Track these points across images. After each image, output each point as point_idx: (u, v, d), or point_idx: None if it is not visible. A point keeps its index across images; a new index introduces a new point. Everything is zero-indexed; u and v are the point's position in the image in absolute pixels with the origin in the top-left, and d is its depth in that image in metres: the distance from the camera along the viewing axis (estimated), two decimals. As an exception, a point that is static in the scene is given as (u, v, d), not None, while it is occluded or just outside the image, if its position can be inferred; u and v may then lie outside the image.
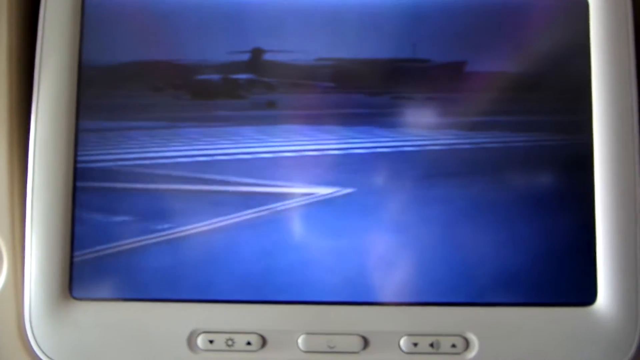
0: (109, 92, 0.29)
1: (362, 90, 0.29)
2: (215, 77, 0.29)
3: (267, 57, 0.29)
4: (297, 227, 0.28)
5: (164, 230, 0.28)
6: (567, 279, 0.28)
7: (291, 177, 0.28)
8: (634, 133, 0.28)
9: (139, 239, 0.28)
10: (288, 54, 0.29)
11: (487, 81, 0.29)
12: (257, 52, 0.29)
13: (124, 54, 0.29)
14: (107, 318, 0.27)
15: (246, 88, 0.29)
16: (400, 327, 0.27)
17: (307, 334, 0.27)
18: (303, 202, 0.28)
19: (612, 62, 0.28)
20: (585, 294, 0.27)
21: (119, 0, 0.29)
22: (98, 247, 0.28)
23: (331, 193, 0.28)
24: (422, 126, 0.29)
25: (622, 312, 0.27)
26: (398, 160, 0.28)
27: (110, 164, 0.28)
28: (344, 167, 0.28)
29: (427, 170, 0.28)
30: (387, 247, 0.28)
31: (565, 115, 0.28)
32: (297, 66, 0.29)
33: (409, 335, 0.27)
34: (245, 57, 0.29)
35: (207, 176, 0.28)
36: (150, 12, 0.29)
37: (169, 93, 0.29)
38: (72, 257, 0.27)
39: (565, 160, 0.28)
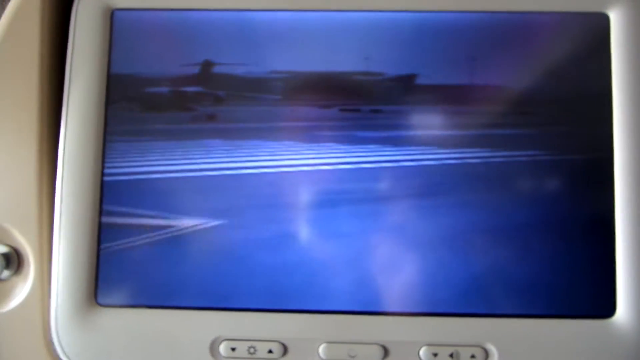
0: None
1: (313, 103, 0.29)
2: (164, 89, 0.29)
3: (217, 69, 0.29)
4: (317, 237, 0.28)
5: (188, 238, 0.28)
6: (586, 291, 0.28)
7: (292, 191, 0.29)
8: None
9: (164, 247, 0.28)
10: (240, 67, 0.29)
11: (485, 95, 0.29)
12: (206, 65, 0.29)
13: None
14: (132, 325, 0.28)
15: (194, 100, 0.29)
16: (420, 337, 0.27)
17: (328, 342, 0.28)
18: (320, 213, 0.28)
19: (634, 76, 0.28)
20: (605, 306, 0.28)
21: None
22: (124, 255, 0.28)
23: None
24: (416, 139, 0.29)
25: (641, 325, 0.27)
26: (403, 172, 0.29)
27: (137, 176, 0.29)
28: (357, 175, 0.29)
29: (439, 184, 0.29)
30: (407, 258, 0.28)
31: (585, 130, 0.28)
32: (248, 79, 0.29)
33: (429, 345, 0.27)
34: (196, 69, 0.29)
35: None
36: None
37: (121, 105, 0.29)
38: (98, 264, 0.28)
39: (585, 175, 0.28)
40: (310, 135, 0.29)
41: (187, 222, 0.28)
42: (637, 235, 0.27)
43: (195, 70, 0.29)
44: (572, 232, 0.28)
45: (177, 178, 0.29)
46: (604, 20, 0.29)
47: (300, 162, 0.29)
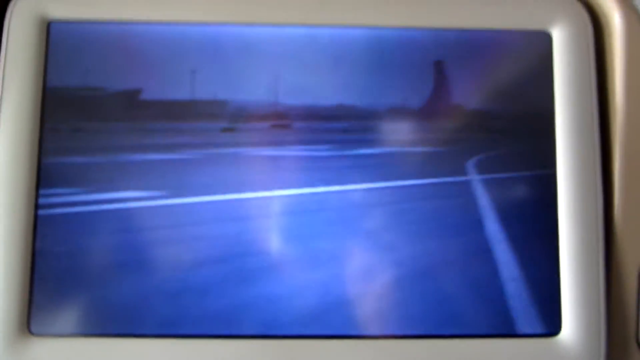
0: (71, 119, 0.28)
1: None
2: (100, 104, 0.28)
3: (146, 95, 0.28)
4: (265, 260, 0.27)
5: (126, 264, 0.27)
6: (531, 309, 0.28)
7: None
8: (596, 165, 0.28)
9: (99, 273, 0.27)
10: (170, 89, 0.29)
11: (428, 113, 0.29)
12: (135, 93, 0.29)
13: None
14: (67, 355, 0.27)
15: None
16: None
17: None
18: (266, 235, 0.28)
19: (575, 93, 0.28)
20: (550, 325, 0.28)
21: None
22: (59, 281, 0.27)
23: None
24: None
25: (587, 342, 0.27)
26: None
27: (73, 197, 0.28)
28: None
29: (389, 201, 0.28)
30: (349, 280, 0.28)
31: (528, 148, 0.29)
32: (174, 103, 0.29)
33: (375, 368, 0.27)
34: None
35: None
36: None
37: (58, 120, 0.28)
38: (31, 292, 0.27)
39: (528, 193, 0.28)
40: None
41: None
42: (580, 252, 0.28)
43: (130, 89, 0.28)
44: (515, 250, 0.28)
45: (112, 210, 0.28)
46: (547, 39, 0.29)
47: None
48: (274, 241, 0.27)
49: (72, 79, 0.28)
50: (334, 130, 0.28)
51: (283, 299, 0.27)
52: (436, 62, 0.29)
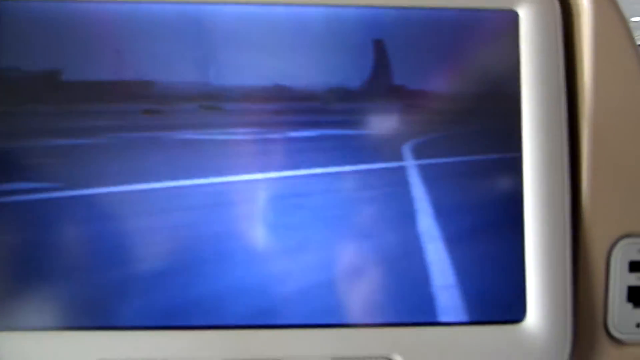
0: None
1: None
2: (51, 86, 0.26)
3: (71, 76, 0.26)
4: (207, 246, 0.26)
5: (62, 255, 0.26)
6: (496, 296, 0.27)
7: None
8: (563, 148, 0.27)
9: (34, 263, 0.25)
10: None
11: (409, 100, 0.28)
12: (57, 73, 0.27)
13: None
14: (2, 349, 0.25)
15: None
16: (324, 350, 0.26)
17: None
18: (215, 220, 0.26)
19: (542, 74, 0.27)
20: (515, 311, 0.27)
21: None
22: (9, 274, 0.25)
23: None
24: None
25: (552, 329, 0.26)
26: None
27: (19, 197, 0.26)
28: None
29: (350, 189, 0.27)
30: (307, 267, 0.26)
31: (493, 131, 0.27)
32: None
33: (333, 359, 0.26)
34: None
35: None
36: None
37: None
38: None
39: (493, 178, 0.27)
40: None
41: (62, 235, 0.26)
42: (546, 237, 0.27)
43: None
44: (480, 236, 0.27)
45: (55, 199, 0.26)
46: (514, 18, 0.28)
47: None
48: (193, 233, 0.26)
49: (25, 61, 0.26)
50: (267, 112, 0.27)
51: (235, 286, 0.26)
52: (376, 40, 0.27)
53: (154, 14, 0.27)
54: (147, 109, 0.26)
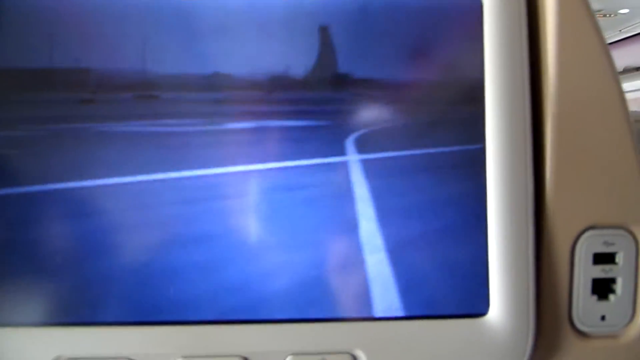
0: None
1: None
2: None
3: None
4: (168, 242, 0.26)
5: (22, 248, 0.25)
6: (459, 290, 0.27)
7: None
8: (526, 141, 0.27)
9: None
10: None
11: (374, 90, 0.27)
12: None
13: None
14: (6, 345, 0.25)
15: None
16: (285, 346, 0.26)
17: (184, 357, 0.25)
18: (174, 215, 0.26)
19: (506, 64, 0.27)
20: (478, 305, 0.27)
21: None
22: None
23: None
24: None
25: (515, 322, 0.26)
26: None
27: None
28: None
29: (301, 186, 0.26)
30: (268, 261, 0.26)
31: (455, 122, 0.27)
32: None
33: (294, 354, 0.26)
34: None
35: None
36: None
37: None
38: None
39: (456, 170, 0.27)
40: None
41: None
42: (509, 231, 0.27)
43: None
44: (443, 230, 0.27)
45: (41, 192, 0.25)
46: (477, 6, 0.27)
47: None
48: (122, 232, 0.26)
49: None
50: (206, 101, 0.26)
51: (194, 281, 0.25)
52: (322, 27, 0.27)
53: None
54: (85, 98, 0.26)
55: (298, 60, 0.26)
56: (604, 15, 2.89)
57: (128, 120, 0.26)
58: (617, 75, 0.28)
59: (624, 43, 3.43)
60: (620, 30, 3.23)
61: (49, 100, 0.26)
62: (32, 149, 0.25)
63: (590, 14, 0.28)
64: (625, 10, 2.81)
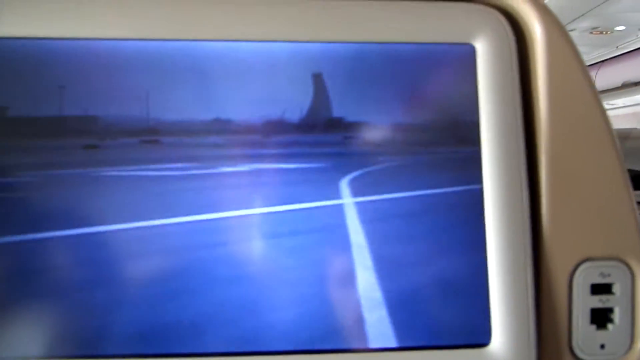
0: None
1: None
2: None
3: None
4: (188, 278, 0.27)
5: (25, 289, 0.26)
6: (461, 320, 0.28)
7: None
8: (522, 174, 0.28)
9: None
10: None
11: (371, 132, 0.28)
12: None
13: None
14: None
15: None
16: None
17: None
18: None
19: (500, 104, 0.28)
20: (480, 335, 0.28)
21: None
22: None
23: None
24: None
25: (516, 352, 0.27)
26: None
27: None
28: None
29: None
30: (279, 295, 0.27)
31: (453, 164, 0.28)
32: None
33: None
34: None
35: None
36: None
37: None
38: None
39: (457, 206, 0.28)
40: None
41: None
42: (508, 261, 0.28)
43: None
44: (445, 263, 0.28)
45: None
46: (470, 51, 0.29)
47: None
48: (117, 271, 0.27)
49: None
50: (205, 145, 0.27)
51: (209, 313, 0.27)
52: (315, 74, 0.28)
53: (96, 50, 0.27)
54: (88, 144, 0.27)
55: (293, 105, 0.28)
56: (601, 32, 2.93)
57: (132, 165, 0.27)
58: (606, 113, 0.29)
59: (622, 59, 3.46)
60: (617, 47, 3.26)
61: (56, 147, 0.27)
62: (39, 195, 0.27)
63: (574, 48, 0.29)
64: (622, 27, 2.85)
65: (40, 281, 0.26)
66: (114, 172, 0.27)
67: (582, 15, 2.57)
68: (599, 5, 2.43)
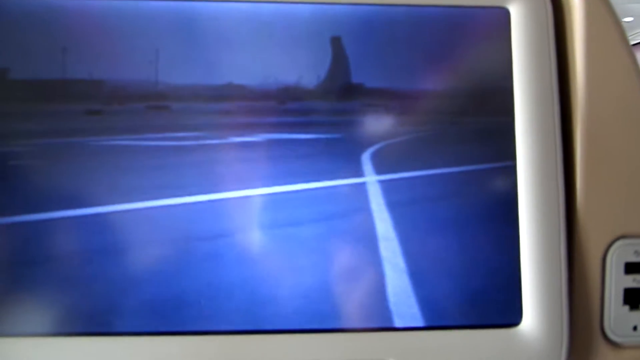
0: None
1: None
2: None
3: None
4: (197, 254, 0.26)
5: (31, 263, 0.25)
6: (492, 300, 0.27)
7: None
8: (557, 150, 0.27)
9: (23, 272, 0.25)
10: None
11: (403, 100, 0.27)
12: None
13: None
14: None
15: None
16: (318, 355, 0.25)
17: None
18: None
19: (534, 73, 0.27)
20: (511, 315, 0.26)
21: None
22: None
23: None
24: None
25: (548, 332, 0.26)
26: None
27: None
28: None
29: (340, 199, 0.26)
30: (296, 270, 0.26)
31: (485, 135, 0.27)
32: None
33: (328, 364, 0.25)
34: None
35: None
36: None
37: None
38: None
39: (489, 184, 0.27)
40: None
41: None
42: (541, 241, 0.26)
43: None
44: (476, 242, 0.27)
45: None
46: (505, 15, 0.27)
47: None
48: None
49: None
50: (216, 112, 0.26)
51: (216, 293, 0.25)
52: (333, 38, 0.26)
53: (102, 10, 0.26)
54: (90, 109, 0.25)
55: (310, 71, 0.26)
56: (608, 24, 2.90)
57: (138, 133, 0.25)
58: None
59: (628, 51, 3.43)
60: (624, 38, 3.23)
61: (59, 112, 0.25)
62: (45, 164, 0.25)
63: (617, 19, 0.28)
64: (630, 19, 2.82)
65: (31, 260, 0.25)
66: (116, 142, 0.25)
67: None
68: (607, -4, 2.41)
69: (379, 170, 0.26)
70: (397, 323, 0.26)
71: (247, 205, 0.26)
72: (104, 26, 0.26)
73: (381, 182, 0.26)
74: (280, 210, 0.26)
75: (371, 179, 0.26)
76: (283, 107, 0.26)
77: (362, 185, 0.26)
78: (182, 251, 0.25)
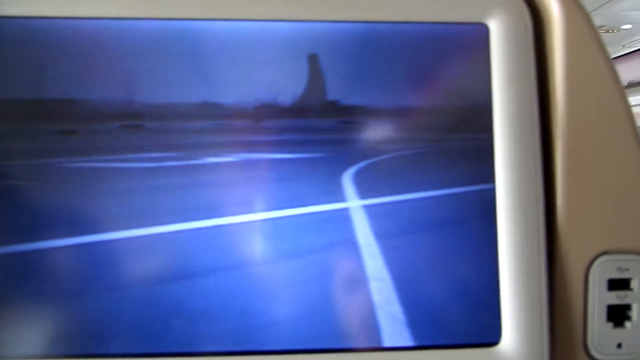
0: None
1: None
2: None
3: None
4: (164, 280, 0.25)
5: (20, 286, 0.25)
6: (471, 319, 0.26)
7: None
8: (537, 166, 0.26)
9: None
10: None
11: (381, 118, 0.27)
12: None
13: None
14: None
15: None
16: None
17: None
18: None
19: (514, 87, 0.27)
20: (489, 334, 0.26)
21: None
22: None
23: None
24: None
25: (528, 351, 0.26)
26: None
27: None
28: None
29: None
30: (289, 294, 0.26)
31: (465, 150, 0.27)
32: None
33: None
34: None
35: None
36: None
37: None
38: None
39: (469, 204, 0.27)
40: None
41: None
42: (520, 259, 0.26)
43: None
44: (455, 261, 0.26)
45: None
46: (484, 31, 0.27)
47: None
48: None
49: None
50: (190, 131, 0.25)
51: (211, 315, 0.25)
52: (310, 55, 0.26)
53: (77, 30, 0.25)
54: (65, 129, 0.25)
55: (287, 88, 0.26)
56: (607, 31, 2.90)
57: (111, 154, 0.25)
58: (627, 101, 0.27)
59: (628, 58, 3.44)
60: (623, 45, 3.24)
61: (32, 132, 0.25)
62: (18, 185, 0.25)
63: (595, 31, 0.27)
64: (628, 26, 2.82)
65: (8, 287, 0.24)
66: (90, 164, 0.25)
67: (589, 13, 2.54)
68: (605, 4, 2.41)
69: (361, 193, 0.26)
70: (374, 343, 0.26)
71: (223, 235, 0.25)
72: (78, 46, 0.25)
73: (366, 207, 0.26)
74: (259, 241, 0.25)
75: (354, 204, 0.26)
76: (259, 125, 0.26)
77: (346, 211, 0.26)
78: (155, 279, 0.25)
